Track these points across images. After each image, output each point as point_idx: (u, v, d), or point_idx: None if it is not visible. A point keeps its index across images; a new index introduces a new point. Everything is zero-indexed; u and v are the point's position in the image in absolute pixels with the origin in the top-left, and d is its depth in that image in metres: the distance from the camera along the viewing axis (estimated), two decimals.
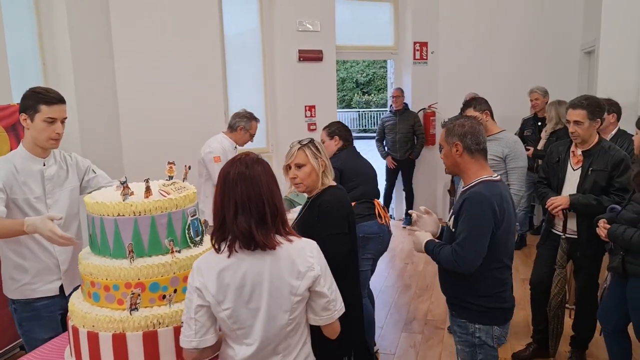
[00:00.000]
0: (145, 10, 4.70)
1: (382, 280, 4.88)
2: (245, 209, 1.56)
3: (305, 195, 2.39)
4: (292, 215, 2.95)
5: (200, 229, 1.96)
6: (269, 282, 1.57)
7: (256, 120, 3.89)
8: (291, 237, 1.63)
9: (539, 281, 3.26)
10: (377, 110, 19.19)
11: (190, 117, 4.90)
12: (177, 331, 1.76)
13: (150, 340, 1.74)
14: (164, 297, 1.79)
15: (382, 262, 5.23)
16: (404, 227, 6.50)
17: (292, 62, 5.64)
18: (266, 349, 1.61)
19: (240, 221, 1.55)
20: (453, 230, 2.12)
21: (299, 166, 2.27)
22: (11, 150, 3.00)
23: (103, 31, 4.50)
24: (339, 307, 1.69)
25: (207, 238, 2.01)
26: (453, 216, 2.15)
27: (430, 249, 2.18)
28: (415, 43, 6.50)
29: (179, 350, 1.76)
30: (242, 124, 3.82)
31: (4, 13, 3.36)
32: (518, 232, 5.84)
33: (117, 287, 1.77)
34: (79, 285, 2.02)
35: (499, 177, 2.17)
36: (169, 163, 1.99)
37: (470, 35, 6.49)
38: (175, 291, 1.81)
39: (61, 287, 2.34)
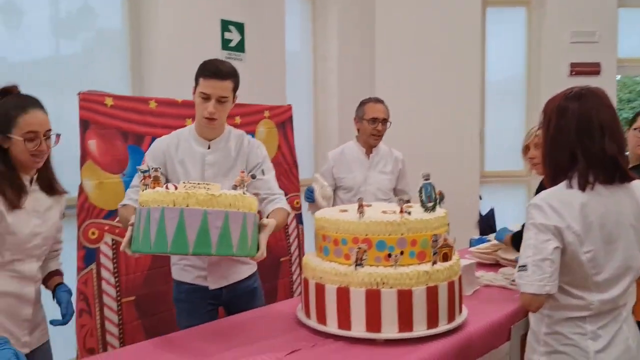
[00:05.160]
0: (409, 47, 4.86)
1: None
2: (613, 135, 1.49)
3: None
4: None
5: (433, 195, 1.84)
6: (629, 219, 1.52)
7: None
8: None
9: None
10: None
11: (442, 140, 4.81)
12: (400, 294, 1.67)
13: (373, 298, 1.67)
14: (389, 256, 1.71)
15: None
16: None
17: (562, 76, 5.11)
18: (621, 295, 1.53)
19: (609, 147, 1.48)
20: None
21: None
22: (279, 146, 3.38)
23: (367, 59, 4.81)
24: None
25: (438, 208, 1.88)
26: None
27: None
28: None
29: (402, 313, 1.68)
30: None
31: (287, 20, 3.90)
32: None
33: (345, 241, 1.76)
34: (226, 286, 2.16)
35: None
36: None
37: None
38: (402, 253, 1.72)
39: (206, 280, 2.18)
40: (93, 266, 2.37)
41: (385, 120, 3.09)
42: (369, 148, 3.15)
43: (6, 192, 1.72)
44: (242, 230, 1.60)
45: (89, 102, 2.37)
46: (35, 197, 1.83)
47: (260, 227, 1.73)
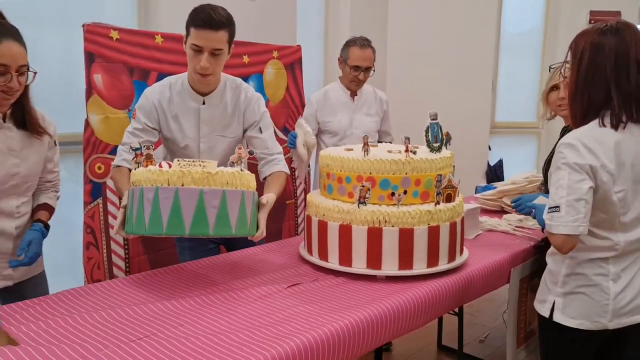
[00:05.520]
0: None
1: None
2: None
3: None
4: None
5: (440, 136, 1.82)
6: None
7: None
8: None
9: None
10: None
11: (453, 89, 4.71)
12: (402, 233, 1.68)
13: (375, 236, 1.68)
14: (393, 195, 1.71)
15: None
16: None
17: (581, 25, 4.95)
18: None
19: None
20: None
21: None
22: (287, 87, 3.33)
23: (380, 1, 4.66)
24: None
25: (444, 149, 1.86)
26: None
27: None
28: None
29: (402, 252, 1.69)
30: None
31: None
32: None
33: (349, 179, 1.76)
34: None
35: None
36: None
37: None
38: (405, 192, 1.72)
39: None
40: (99, 200, 2.39)
41: (368, 69, 2.90)
42: (353, 91, 3.03)
43: None
44: (240, 209, 1.53)
45: (94, 34, 2.32)
46: (10, 136, 1.70)
47: (259, 206, 1.66)
